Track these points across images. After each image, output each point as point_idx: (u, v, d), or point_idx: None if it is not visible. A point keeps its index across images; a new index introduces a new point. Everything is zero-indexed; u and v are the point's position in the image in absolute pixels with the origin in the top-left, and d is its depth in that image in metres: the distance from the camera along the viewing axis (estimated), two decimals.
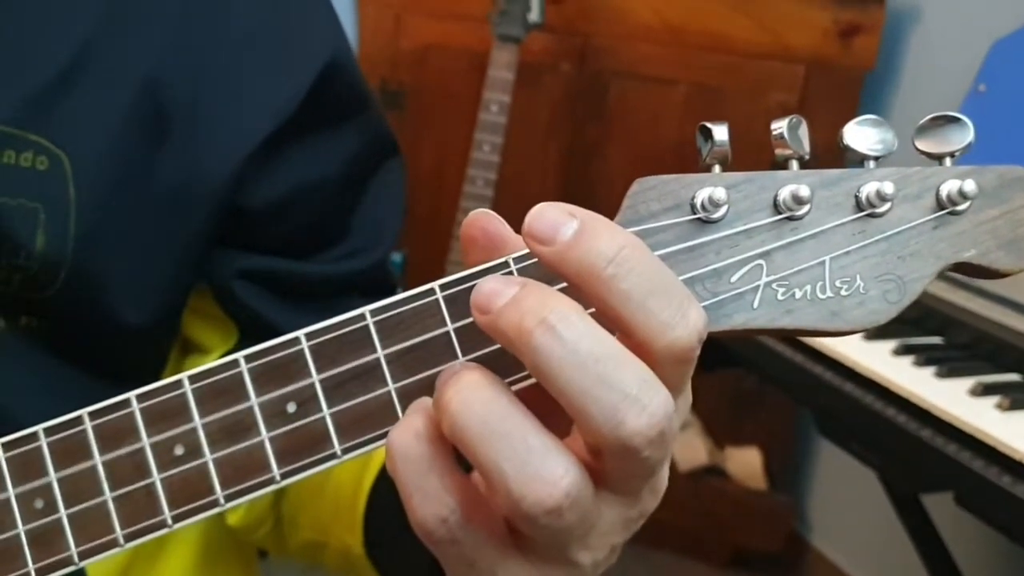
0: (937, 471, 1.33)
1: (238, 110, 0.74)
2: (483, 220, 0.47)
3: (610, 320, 0.42)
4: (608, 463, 0.43)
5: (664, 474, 0.46)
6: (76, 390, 0.74)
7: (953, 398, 1.35)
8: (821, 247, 0.47)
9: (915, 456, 1.36)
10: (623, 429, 0.40)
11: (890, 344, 1.50)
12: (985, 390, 1.35)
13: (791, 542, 2.72)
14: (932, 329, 1.56)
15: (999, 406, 1.31)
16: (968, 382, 1.37)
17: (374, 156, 0.84)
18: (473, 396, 0.42)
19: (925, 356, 1.45)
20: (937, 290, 1.58)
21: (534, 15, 2.39)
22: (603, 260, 0.41)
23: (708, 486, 2.66)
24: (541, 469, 0.41)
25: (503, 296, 0.42)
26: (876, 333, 1.53)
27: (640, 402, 0.41)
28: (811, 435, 2.62)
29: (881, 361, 1.46)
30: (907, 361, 1.46)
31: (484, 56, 2.45)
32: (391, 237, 0.84)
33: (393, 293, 0.83)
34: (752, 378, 2.44)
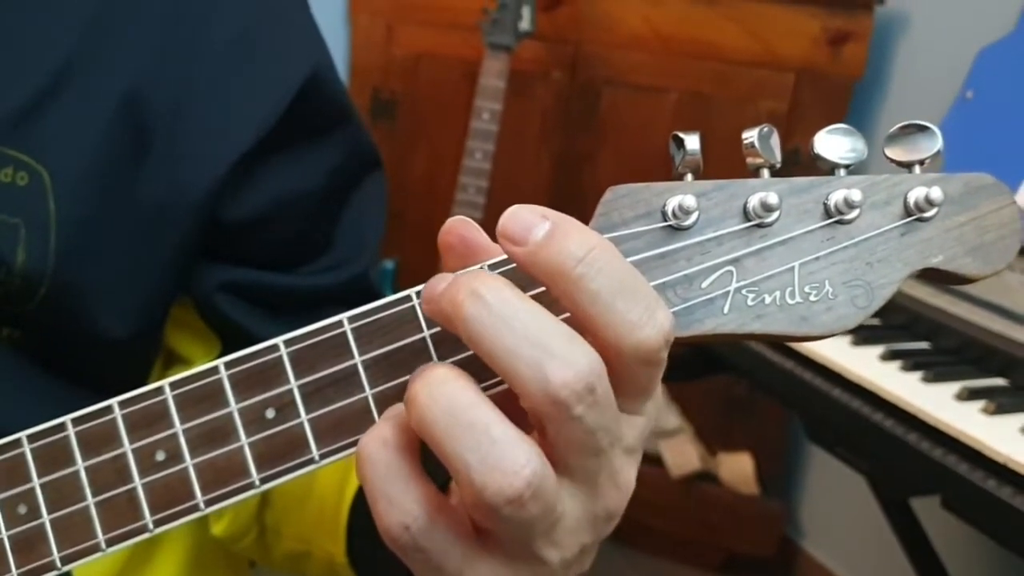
0: (924, 475, 1.33)
1: (219, 123, 0.74)
2: (460, 227, 0.48)
3: (580, 320, 0.43)
4: (549, 431, 0.43)
5: (624, 467, 0.47)
6: (59, 402, 0.73)
7: (939, 403, 1.35)
8: (790, 253, 0.48)
9: (902, 460, 1.36)
10: (549, 384, 0.41)
11: (877, 349, 1.50)
12: (971, 394, 1.35)
13: (783, 547, 2.72)
14: (919, 334, 1.57)
15: (985, 410, 1.32)
16: (954, 387, 1.38)
17: (356, 168, 0.84)
18: (439, 390, 0.43)
19: (912, 361, 1.46)
20: (924, 295, 1.59)
21: (525, 24, 2.40)
22: (572, 260, 0.42)
23: (700, 491, 2.66)
24: (503, 459, 0.41)
25: (444, 280, 0.44)
26: (863, 339, 1.54)
27: (564, 358, 0.42)
28: (802, 440, 2.62)
29: (868, 366, 1.47)
30: (894, 366, 1.46)
31: (476, 65, 2.46)
32: (373, 249, 0.85)
33: None
34: (743, 384, 2.45)
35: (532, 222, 0.43)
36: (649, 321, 0.43)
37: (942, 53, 2.20)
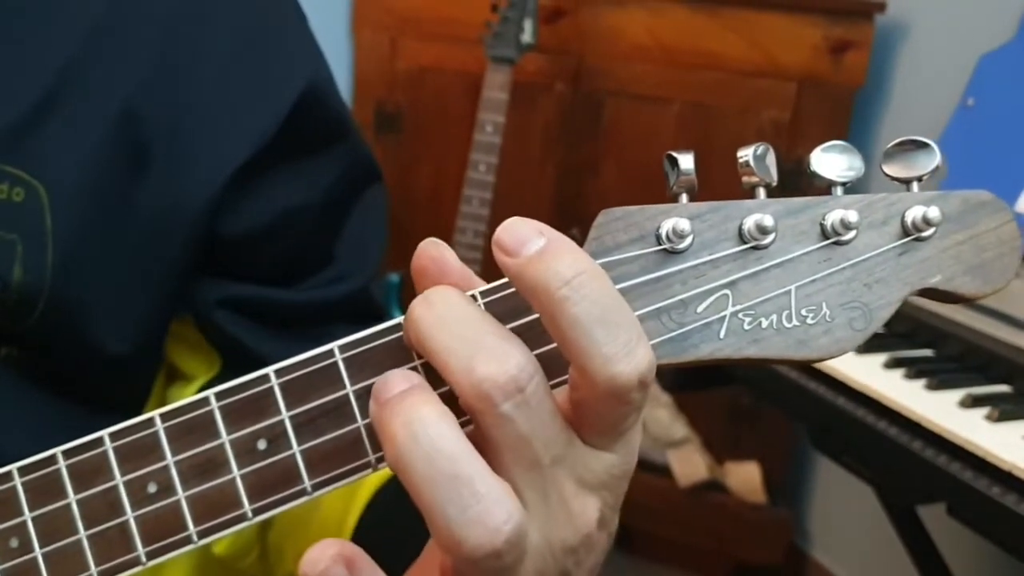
0: (929, 483, 1.33)
1: (216, 138, 0.74)
2: (431, 249, 0.47)
3: (558, 343, 0.43)
4: (485, 433, 0.43)
5: (577, 497, 0.45)
6: (59, 419, 0.73)
7: (943, 410, 1.35)
8: (787, 276, 0.47)
9: (907, 468, 1.36)
10: (474, 375, 0.42)
11: (881, 357, 1.50)
12: (975, 401, 1.35)
13: (791, 555, 2.71)
14: (922, 342, 1.56)
15: (989, 417, 1.32)
16: (958, 394, 1.38)
17: (356, 182, 0.83)
18: (422, 432, 0.42)
19: (916, 369, 1.46)
20: (927, 303, 1.59)
21: (527, 36, 2.41)
22: (558, 280, 0.42)
23: (708, 501, 2.65)
24: (485, 515, 0.41)
25: None
26: (867, 347, 1.53)
27: (493, 352, 0.42)
28: (809, 448, 2.62)
29: (872, 374, 1.47)
30: (898, 374, 1.46)
31: (479, 77, 2.47)
32: (374, 263, 0.84)
33: (379, 319, 0.84)
34: (749, 394, 2.45)
35: (527, 236, 0.43)
36: (625, 357, 0.42)
37: (943, 61, 2.20)
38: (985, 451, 1.24)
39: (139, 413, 0.79)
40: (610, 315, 0.42)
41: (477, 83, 2.47)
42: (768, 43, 2.49)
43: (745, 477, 2.65)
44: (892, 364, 1.48)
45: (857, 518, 2.48)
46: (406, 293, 2.75)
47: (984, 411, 1.33)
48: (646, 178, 2.57)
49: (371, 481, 0.76)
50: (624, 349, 0.42)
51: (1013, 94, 1.74)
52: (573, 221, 2.63)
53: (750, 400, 2.57)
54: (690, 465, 2.64)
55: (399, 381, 0.44)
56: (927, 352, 1.55)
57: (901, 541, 1.79)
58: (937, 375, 1.44)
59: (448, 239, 2.49)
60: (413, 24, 2.80)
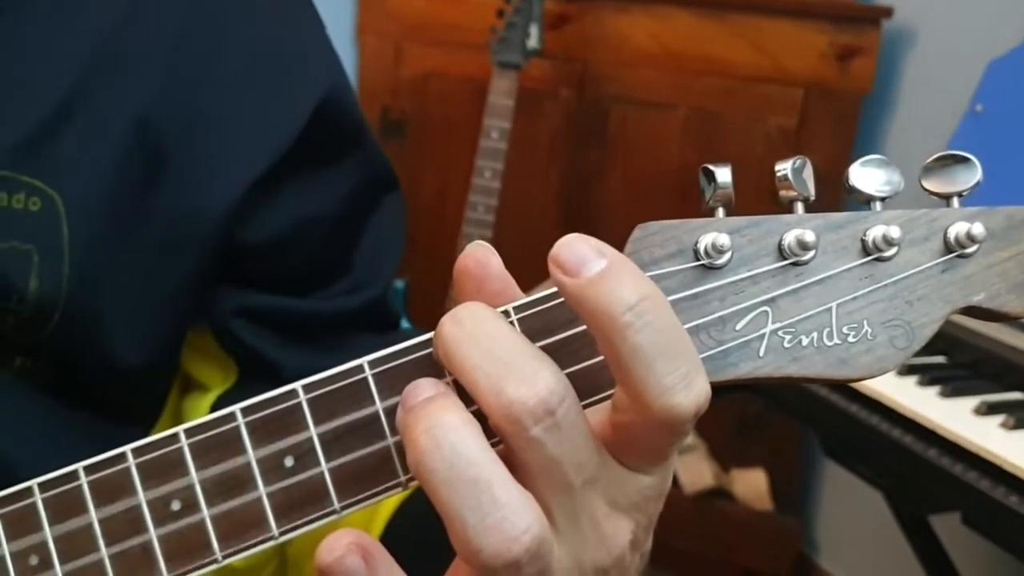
0: (943, 491, 1.32)
1: (233, 147, 0.73)
2: (479, 252, 0.46)
3: (613, 368, 0.42)
4: (515, 455, 0.42)
5: (609, 519, 0.45)
6: (75, 430, 0.73)
7: (958, 418, 1.35)
8: (827, 293, 0.46)
9: (921, 476, 1.35)
10: (503, 397, 0.41)
11: None
12: (990, 409, 1.34)
13: (798, 563, 2.71)
14: (936, 349, 1.56)
15: (1004, 425, 1.31)
16: (972, 401, 1.37)
17: (373, 191, 0.83)
18: (444, 437, 0.41)
19: (929, 376, 1.45)
20: None
21: (533, 42, 2.41)
22: (622, 306, 0.40)
23: (714, 508, 2.65)
24: (504, 522, 0.40)
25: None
26: None
27: (523, 374, 0.41)
28: (817, 456, 2.61)
29: (885, 381, 1.46)
30: (911, 381, 1.45)
31: (484, 83, 2.46)
32: (391, 272, 0.84)
33: (395, 327, 0.84)
34: (757, 401, 2.44)
35: (588, 256, 0.41)
36: (684, 389, 0.41)
37: (951, 67, 2.20)
38: (1002, 459, 1.24)
39: (154, 424, 0.79)
40: (672, 344, 0.41)
41: (482, 89, 2.47)
42: (774, 49, 2.48)
43: (751, 484, 2.65)
44: (905, 371, 1.48)
45: (866, 527, 2.48)
46: (411, 300, 2.74)
47: (999, 419, 1.33)
48: (652, 184, 2.57)
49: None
50: (684, 381, 0.41)
51: (1022, 100, 1.73)
52: (578, 227, 2.63)
53: (757, 407, 2.56)
54: (696, 472, 2.64)
55: (427, 388, 0.44)
56: (940, 359, 1.54)
57: (913, 550, 1.78)
58: (951, 382, 1.43)
59: (453, 245, 2.49)
60: (418, 30, 2.80)
